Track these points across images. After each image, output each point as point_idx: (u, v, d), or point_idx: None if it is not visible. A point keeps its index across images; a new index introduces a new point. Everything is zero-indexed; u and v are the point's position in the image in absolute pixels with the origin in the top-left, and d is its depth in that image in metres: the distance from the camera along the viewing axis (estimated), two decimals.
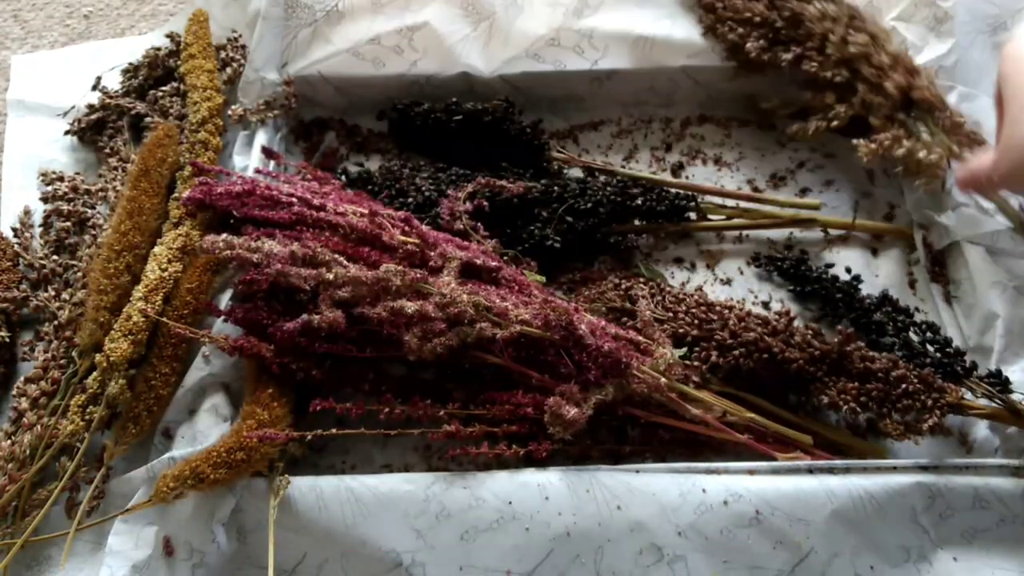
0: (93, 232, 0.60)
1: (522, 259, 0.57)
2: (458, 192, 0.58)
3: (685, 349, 0.52)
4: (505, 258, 0.56)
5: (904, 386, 0.50)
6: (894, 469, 0.47)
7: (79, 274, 0.58)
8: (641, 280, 0.57)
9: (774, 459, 0.48)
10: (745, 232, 0.64)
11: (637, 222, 0.62)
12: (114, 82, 0.70)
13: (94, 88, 0.70)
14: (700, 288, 0.60)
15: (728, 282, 0.62)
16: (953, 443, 0.53)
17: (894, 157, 0.60)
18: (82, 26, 0.82)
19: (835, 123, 0.63)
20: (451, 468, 0.51)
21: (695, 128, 0.71)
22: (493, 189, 0.59)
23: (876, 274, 0.62)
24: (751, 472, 0.47)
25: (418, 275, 0.48)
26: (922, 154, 0.59)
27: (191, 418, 0.51)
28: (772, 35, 0.66)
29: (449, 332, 0.47)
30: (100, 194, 0.63)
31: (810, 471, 0.47)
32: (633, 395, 0.48)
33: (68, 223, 0.61)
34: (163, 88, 0.69)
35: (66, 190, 0.62)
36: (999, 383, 0.51)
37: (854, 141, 0.61)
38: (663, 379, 0.47)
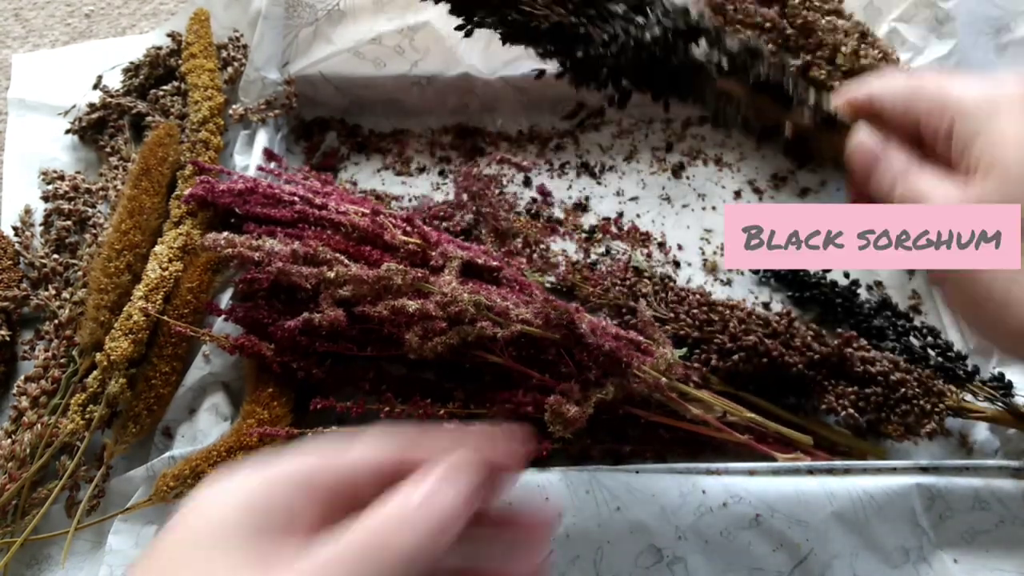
0: (94, 231, 0.60)
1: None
2: None
3: (685, 350, 0.52)
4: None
5: (903, 390, 0.50)
6: (894, 470, 0.47)
7: (80, 273, 0.58)
8: (646, 276, 0.57)
9: (774, 460, 0.48)
10: None
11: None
12: (115, 81, 0.71)
13: (95, 87, 0.70)
14: (702, 287, 0.60)
15: (728, 283, 0.62)
16: (953, 444, 0.53)
17: None
18: (83, 25, 0.82)
19: None
20: None
21: (696, 128, 0.71)
22: None
23: (875, 276, 0.62)
24: (751, 473, 0.47)
25: (419, 274, 0.48)
26: None
27: (191, 417, 0.51)
28: (782, 40, 0.66)
29: (450, 331, 0.47)
30: (101, 193, 0.63)
31: (810, 472, 0.47)
32: (633, 394, 0.48)
33: (69, 222, 0.61)
34: (164, 87, 0.69)
35: (67, 189, 0.62)
36: (1002, 387, 0.51)
37: None
38: (663, 378, 0.47)
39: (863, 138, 0.34)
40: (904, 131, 0.34)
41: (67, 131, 0.68)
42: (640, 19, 0.39)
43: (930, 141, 0.33)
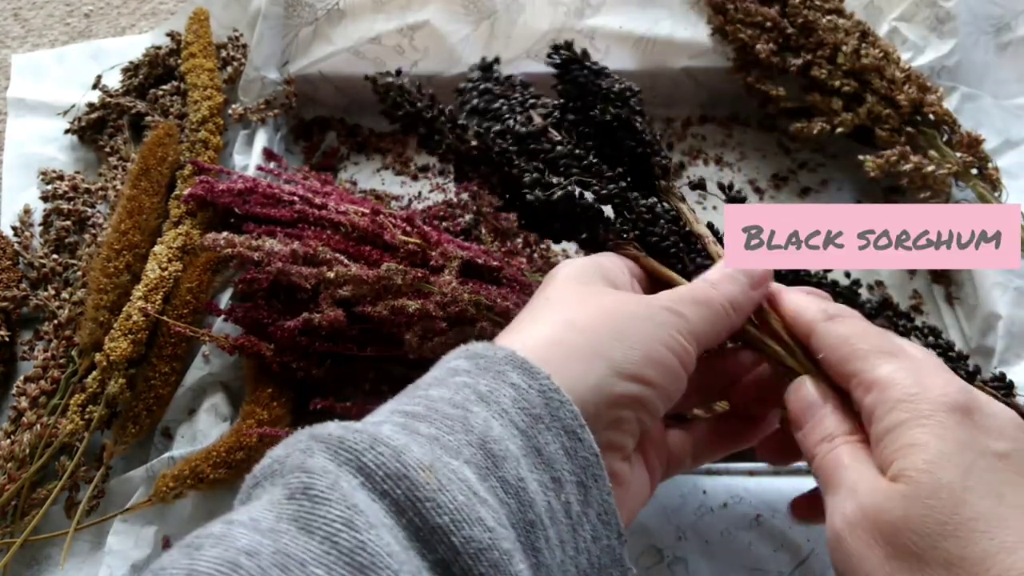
0: (93, 231, 0.60)
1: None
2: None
3: None
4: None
5: None
6: None
7: (79, 273, 0.58)
8: None
9: None
10: None
11: None
12: (114, 81, 0.70)
13: (94, 87, 0.70)
14: None
15: None
16: None
17: (900, 172, 0.60)
18: (82, 25, 0.82)
19: (840, 129, 0.63)
20: None
21: (696, 128, 0.71)
22: None
23: (876, 275, 0.62)
24: (751, 473, 0.47)
25: (419, 274, 0.48)
26: (929, 169, 0.59)
27: (191, 418, 0.51)
28: (782, 40, 0.66)
29: (450, 331, 0.47)
30: (100, 193, 0.63)
31: (810, 472, 0.47)
32: None
33: (68, 222, 0.61)
34: (163, 87, 0.69)
35: (66, 189, 0.62)
36: (1003, 386, 0.51)
37: (860, 157, 0.61)
38: None
39: (807, 388, 0.35)
40: (837, 377, 0.34)
41: (66, 131, 0.68)
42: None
43: (855, 407, 0.33)
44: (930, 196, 0.60)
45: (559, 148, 0.43)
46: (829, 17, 0.65)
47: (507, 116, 0.45)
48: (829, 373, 0.35)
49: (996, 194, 0.59)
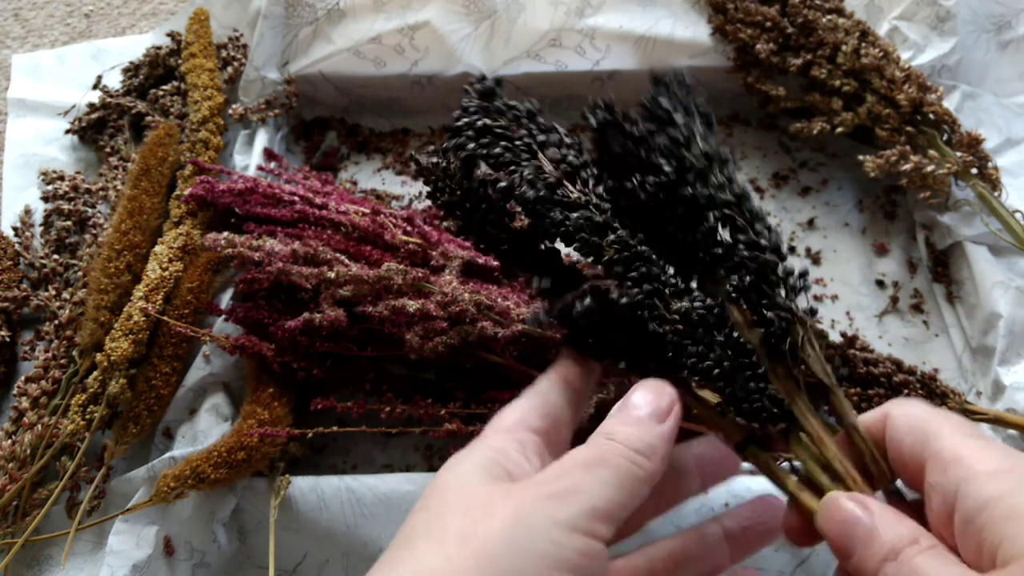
0: (94, 231, 0.60)
1: None
2: None
3: None
4: None
5: (906, 392, 0.50)
6: None
7: (80, 273, 0.58)
8: None
9: (776, 459, 0.48)
10: None
11: None
12: (115, 81, 0.70)
13: (95, 87, 0.70)
14: None
15: None
16: None
17: (900, 172, 0.60)
18: (83, 25, 0.82)
19: (840, 129, 0.63)
20: None
21: None
22: None
23: (883, 272, 0.62)
24: (753, 472, 0.47)
25: (420, 274, 0.48)
26: (929, 169, 0.59)
27: (192, 418, 0.51)
28: (782, 40, 0.66)
29: (450, 331, 0.47)
30: (101, 193, 0.63)
31: None
32: None
33: (69, 222, 0.61)
34: (164, 87, 0.69)
35: (67, 189, 0.62)
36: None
37: (860, 157, 0.61)
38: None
39: (844, 504, 0.28)
40: (908, 474, 0.28)
41: (67, 131, 0.68)
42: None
43: (927, 503, 0.27)
44: (930, 196, 0.60)
45: (591, 218, 0.35)
46: (829, 16, 0.65)
47: (513, 167, 0.36)
48: (896, 468, 0.29)
49: (996, 194, 0.59)
